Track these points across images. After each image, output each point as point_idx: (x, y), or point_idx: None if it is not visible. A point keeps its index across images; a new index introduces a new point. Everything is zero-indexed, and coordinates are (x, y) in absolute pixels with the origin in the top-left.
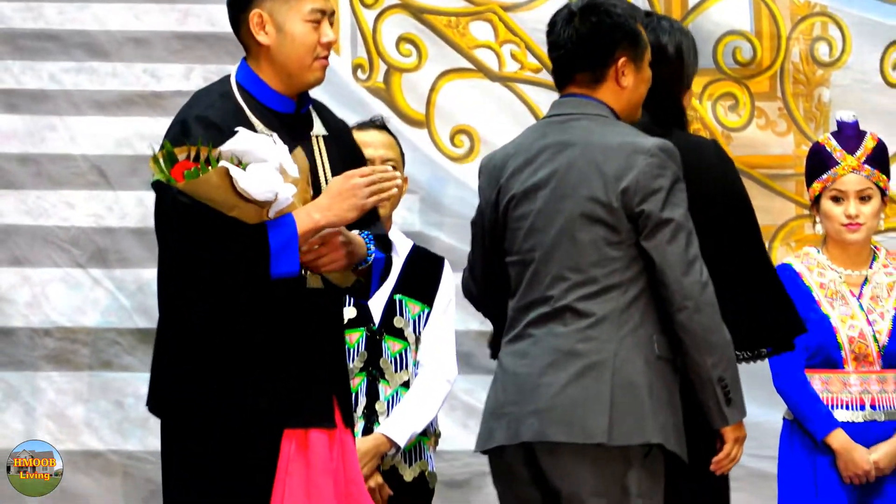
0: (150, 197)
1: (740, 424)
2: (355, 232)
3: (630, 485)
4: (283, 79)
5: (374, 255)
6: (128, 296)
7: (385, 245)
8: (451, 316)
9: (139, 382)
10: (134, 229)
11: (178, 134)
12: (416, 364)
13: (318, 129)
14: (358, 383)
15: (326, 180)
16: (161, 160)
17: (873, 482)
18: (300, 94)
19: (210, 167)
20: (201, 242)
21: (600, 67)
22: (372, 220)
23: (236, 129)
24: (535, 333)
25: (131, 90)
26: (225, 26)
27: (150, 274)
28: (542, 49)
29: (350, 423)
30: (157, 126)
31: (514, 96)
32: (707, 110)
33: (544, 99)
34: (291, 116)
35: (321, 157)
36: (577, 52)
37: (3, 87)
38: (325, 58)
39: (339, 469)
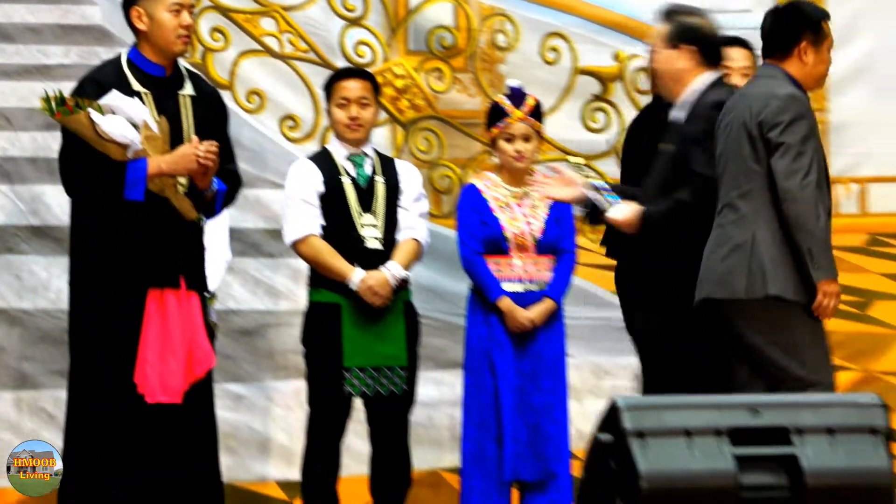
0: (41, 136)
1: (830, 282)
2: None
3: (762, 326)
4: (157, 52)
5: (216, 187)
6: (24, 203)
7: (234, 184)
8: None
9: (32, 263)
10: (29, 158)
11: (75, 89)
12: None
13: (188, 90)
14: None
15: (188, 129)
16: (52, 101)
17: (529, 331)
18: (171, 63)
19: (81, 111)
20: (82, 171)
21: (788, 48)
22: (227, 169)
23: (114, 88)
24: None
25: (29, 63)
26: (93, 20)
27: (40, 189)
28: (309, 36)
29: (194, 287)
30: (43, 87)
31: (290, 69)
32: (422, 79)
33: (310, 72)
34: (162, 79)
35: (186, 112)
36: (773, 36)
37: None
38: (186, 36)
39: (185, 319)
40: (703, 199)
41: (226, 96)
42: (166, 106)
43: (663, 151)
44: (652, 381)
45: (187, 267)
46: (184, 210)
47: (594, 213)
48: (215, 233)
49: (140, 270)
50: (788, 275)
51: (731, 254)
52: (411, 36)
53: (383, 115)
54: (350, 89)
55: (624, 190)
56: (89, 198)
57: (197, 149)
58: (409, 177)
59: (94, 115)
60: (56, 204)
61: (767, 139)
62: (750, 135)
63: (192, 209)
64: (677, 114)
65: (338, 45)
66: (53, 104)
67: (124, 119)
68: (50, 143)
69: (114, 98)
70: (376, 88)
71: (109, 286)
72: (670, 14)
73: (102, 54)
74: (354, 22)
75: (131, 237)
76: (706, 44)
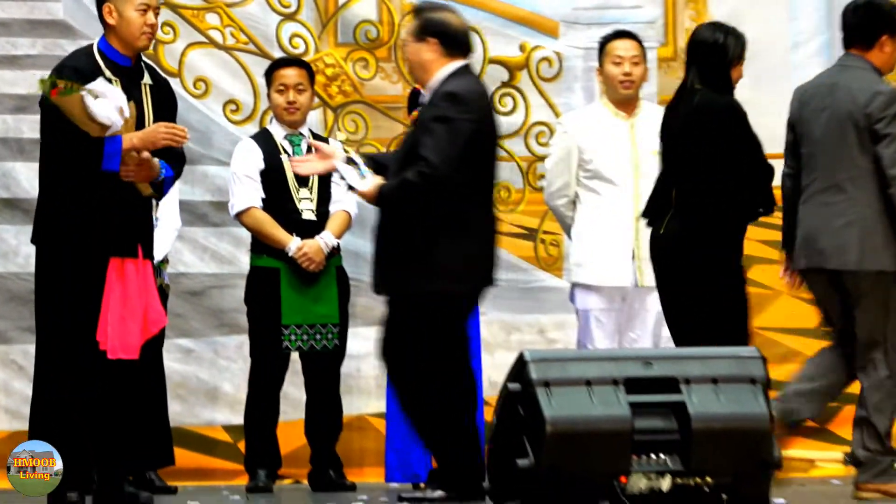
0: (11, 119)
1: None
2: (156, 159)
3: (888, 301)
4: (124, 45)
5: (164, 174)
6: None
7: (180, 162)
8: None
9: (2, 232)
10: (0, 138)
11: (55, 74)
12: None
13: (147, 80)
14: None
15: (149, 115)
16: (48, 82)
17: None
18: (136, 55)
19: (74, 93)
20: (63, 143)
21: (870, 40)
22: (175, 150)
23: (96, 77)
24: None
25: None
26: (57, 15)
27: (10, 165)
28: (249, 30)
29: (149, 256)
30: (12, 76)
31: (232, 59)
32: (350, 68)
33: (250, 61)
34: (129, 69)
35: (147, 99)
36: (856, 29)
37: None
38: (150, 34)
39: (141, 285)
40: (426, 181)
41: (175, 83)
42: (132, 93)
43: (409, 132)
44: (682, 336)
45: (143, 238)
46: (141, 188)
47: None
48: (167, 205)
49: (104, 241)
50: (891, 251)
51: (844, 230)
52: (340, 29)
53: (316, 101)
54: (288, 76)
55: (378, 163)
56: (68, 167)
57: (161, 128)
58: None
59: (87, 97)
60: (24, 179)
61: (874, 130)
62: (857, 125)
63: (148, 187)
64: (423, 99)
65: (275, 37)
66: (50, 84)
67: (110, 103)
68: (19, 126)
69: (99, 84)
70: (311, 76)
71: (75, 254)
72: (419, 10)
73: (66, 46)
74: (289, 17)
75: (96, 210)
76: (447, 37)
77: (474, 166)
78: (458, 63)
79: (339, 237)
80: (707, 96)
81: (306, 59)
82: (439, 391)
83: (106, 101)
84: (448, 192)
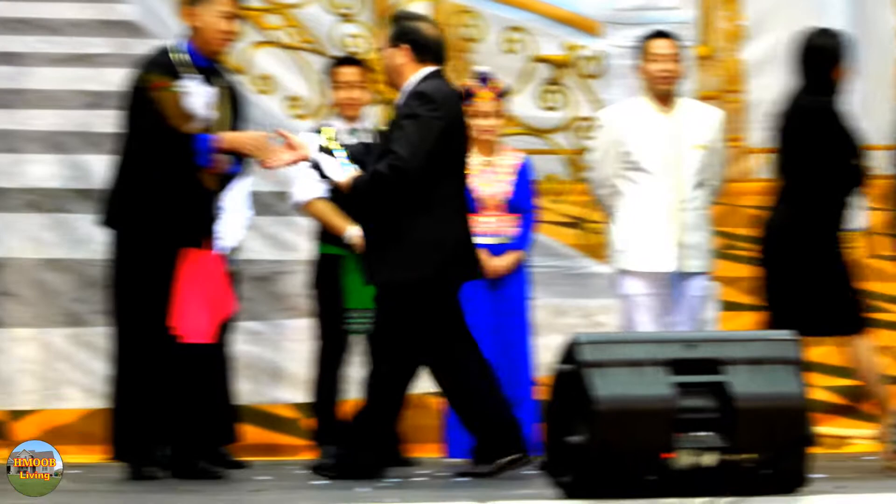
0: (85, 114)
1: None
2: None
3: None
4: (203, 47)
5: (231, 168)
6: (72, 170)
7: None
8: None
9: (79, 220)
10: (75, 132)
11: (146, 71)
12: None
13: (222, 80)
14: None
15: (223, 113)
16: (148, 77)
17: (499, 278)
18: (213, 57)
19: (172, 90)
20: (157, 138)
21: None
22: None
23: (184, 75)
24: None
25: (73, 52)
26: (128, 16)
27: (85, 158)
28: (310, 29)
29: (220, 247)
30: (86, 73)
31: (295, 58)
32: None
33: (311, 60)
34: (206, 69)
35: (223, 98)
36: None
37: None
38: (228, 39)
39: (213, 273)
40: (395, 173)
41: (239, 81)
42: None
43: (386, 131)
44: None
45: (211, 227)
46: (207, 180)
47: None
48: (238, 195)
49: (176, 230)
50: None
51: None
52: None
53: (373, 96)
54: (346, 74)
55: (356, 156)
56: (155, 160)
57: (252, 140)
58: None
59: (183, 93)
60: (97, 170)
61: None
62: None
63: (214, 179)
64: (398, 101)
65: (333, 37)
66: (150, 80)
67: (202, 99)
68: (92, 120)
69: (190, 81)
70: (368, 73)
71: (148, 242)
72: (395, 18)
73: (136, 46)
74: (347, 18)
75: (170, 201)
76: (418, 44)
77: (444, 160)
78: (429, 68)
79: None
80: (805, 99)
81: (363, 57)
82: (400, 373)
83: (198, 98)
84: (417, 184)
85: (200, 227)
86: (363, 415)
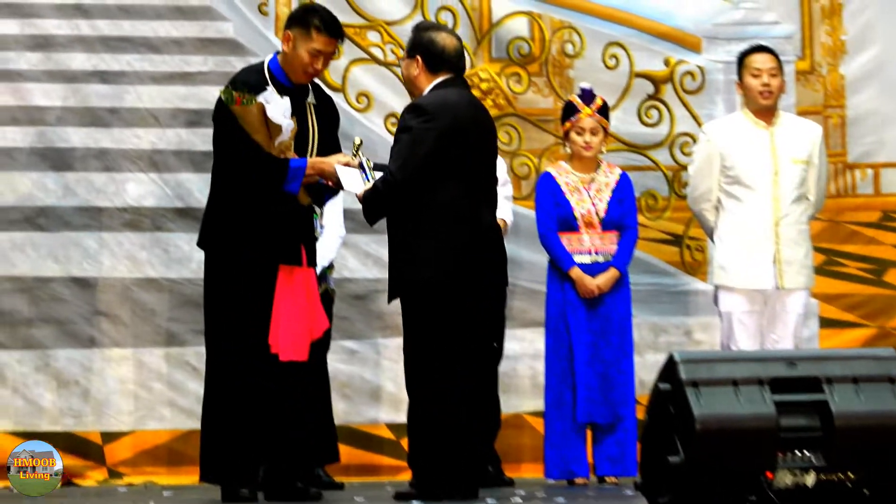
0: (184, 133)
1: None
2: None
3: None
4: (288, 71)
5: (325, 193)
6: (170, 189)
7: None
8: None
9: (176, 239)
10: (174, 151)
11: (229, 88)
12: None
13: (311, 99)
14: None
15: (313, 131)
16: (229, 93)
17: (597, 297)
18: (295, 82)
19: (253, 103)
20: (250, 164)
21: None
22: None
23: (265, 89)
24: None
25: (173, 71)
26: (227, 33)
27: (184, 176)
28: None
29: (312, 264)
30: (185, 91)
31: (392, 75)
32: (503, 82)
33: None
34: (292, 89)
35: (311, 117)
36: None
37: (96, 69)
38: (311, 74)
39: (307, 290)
40: (386, 187)
41: (339, 98)
42: (295, 112)
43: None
44: None
45: (307, 245)
46: (300, 197)
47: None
48: (332, 214)
49: (272, 249)
50: None
51: None
52: (494, 46)
53: None
54: None
55: (379, 166)
56: (246, 182)
57: (332, 167)
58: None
59: (264, 104)
60: (196, 189)
61: None
62: None
63: (306, 196)
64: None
65: None
66: (232, 95)
67: (279, 109)
68: (192, 139)
69: (268, 93)
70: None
71: (245, 262)
72: (413, 29)
73: (235, 63)
74: None
75: (265, 220)
76: (431, 54)
77: (444, 166)
78: (443, 77)
79: None
80: None
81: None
82: (430, 382)
83: (275, 109)
84: (412, 193)
85: (294, 245)
86: (428, 437)
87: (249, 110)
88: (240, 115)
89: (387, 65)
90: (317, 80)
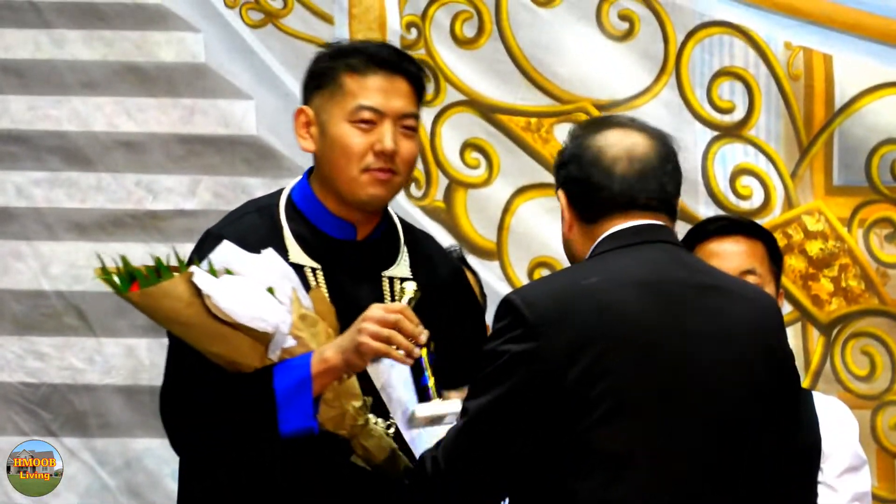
0: (140, 346)
1: None
2: None
3: None
4: (334, 195)
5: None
6: (111, 472)
7: None
8: None
9: None
10: (121, 387)
11: (192, 252)
12: None
13: (400, 270)
14: None
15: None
16: (114, 274)
17: None
18: (365, 216)
19: (168, 278)
20: (200, 406)
21: None
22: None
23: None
24: None
25: (120, 208)
26: (240, 126)
27: (142, 445)
28: None
29: None
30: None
31: None
32: (858, 240)
33: None
34: (351, 245)
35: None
36: None
37: None
38: (382, 170)
39: None
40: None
41: (489, 269)
42: (352, 291)
43: None
44: None
45: None
46: (374, 451)
47: None
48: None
49: None
50: None
51: None
52: (838, 165)
53: None
54: None
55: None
56: (221, 446)
57: (376, 312)
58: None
59: (201, 278)
60: None
61: None
62: None
63: (386, 450)
64: None
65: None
66: (117, 277)
67: (259, 285)
68: None
69: (263, 259)
70: None
71: None
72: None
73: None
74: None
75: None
76: None
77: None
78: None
79: None
80: None
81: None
82: None
83: (245, 281)
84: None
85: None
86: None
87: (168, 293)
88: (149, 308)
89: None
90: (413, 215)
